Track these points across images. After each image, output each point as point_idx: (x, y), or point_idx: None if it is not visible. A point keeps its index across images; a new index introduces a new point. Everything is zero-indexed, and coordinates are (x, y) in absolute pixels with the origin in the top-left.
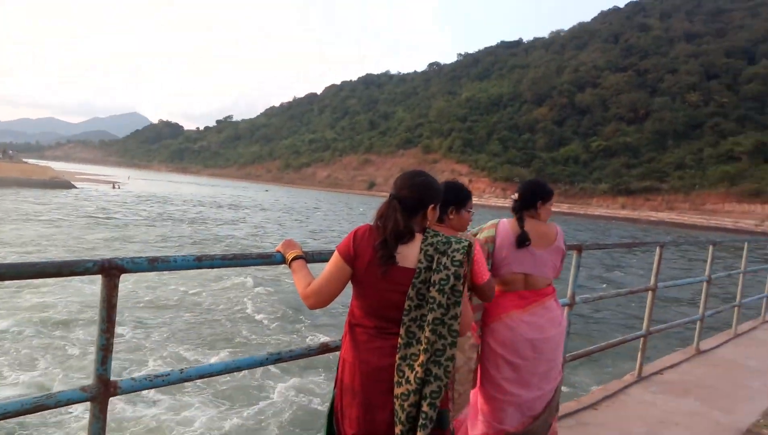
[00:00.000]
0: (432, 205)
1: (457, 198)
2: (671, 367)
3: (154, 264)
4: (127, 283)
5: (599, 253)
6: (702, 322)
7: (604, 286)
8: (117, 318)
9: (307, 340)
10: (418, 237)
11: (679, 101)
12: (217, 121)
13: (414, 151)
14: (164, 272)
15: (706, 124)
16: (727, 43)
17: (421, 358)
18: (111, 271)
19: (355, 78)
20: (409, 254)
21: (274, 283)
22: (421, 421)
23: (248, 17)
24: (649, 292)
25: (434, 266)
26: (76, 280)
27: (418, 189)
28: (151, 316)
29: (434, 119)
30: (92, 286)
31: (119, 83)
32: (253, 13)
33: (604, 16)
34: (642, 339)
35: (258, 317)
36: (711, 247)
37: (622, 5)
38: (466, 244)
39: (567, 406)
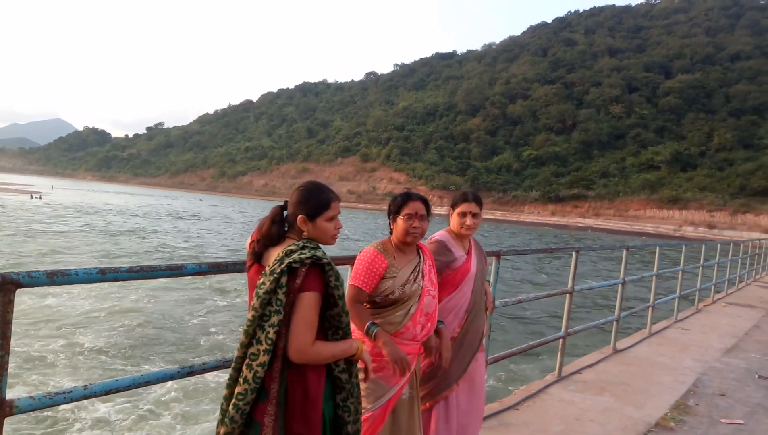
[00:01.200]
0: (300, 216)
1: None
2: (589, 366)
3: (53, 278)
4: (70, 294)
5: (532, 259)
6: (618, 322)
7: (534, 287)
8: (47, 331)
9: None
10: (287, 242)
11: (604, 113)
12: (148, 129)
13: (352, 160)
14: (115, 283)
15: (628, 134)
16: (646, 58)
17: (261, 358)
18: (5, 286)
19: (291, 86)
20: (270, 258)
21: (225, 295)
22: (222, 418)
23: (181, 21)
24: (567, 295)
25: (268, 271)
26: None
27: (291, 199)
28: (87, 329)
29: (372, 128)
30: None
31: (41, 87)
32: (186, 17)
33: (533, 31)
34: (561, 340)
35: (210, 330)
36: (624, 252)
37: (549, 20)
38: (298, 258)
39: (490, 407)
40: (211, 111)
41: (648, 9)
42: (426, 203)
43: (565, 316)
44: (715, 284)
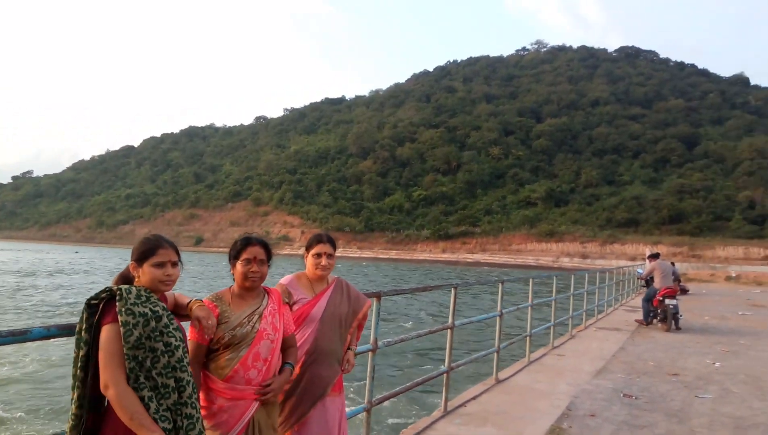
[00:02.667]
0: (131, 263)
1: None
2: (474, 398)
3: None
4: None
5: (429, 296)
6: (498, 353)
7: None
8: None
9: None
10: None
11: (484, 154)
12: (13, 178)
13: (244, 204)
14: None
15: (507, 174)
16: (519, 104)
17: (73, 395)
18: None
19: (176, 130)
20: None
21: None
22: None
23: (48, 57)
24: (449, 331)
25: None
26: None
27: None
28: None
29: (264, 172)
30: None
31: None
32: (56, 53)
33: (417, 78)
34: (445, 375)
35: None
36: (501, 285)
37: (431, 69)
38: (96, 294)
39: None
40: (86, 157)
41: (518, 59)
42: (266, 247)
43: (447, 352)
44: (586, 311)
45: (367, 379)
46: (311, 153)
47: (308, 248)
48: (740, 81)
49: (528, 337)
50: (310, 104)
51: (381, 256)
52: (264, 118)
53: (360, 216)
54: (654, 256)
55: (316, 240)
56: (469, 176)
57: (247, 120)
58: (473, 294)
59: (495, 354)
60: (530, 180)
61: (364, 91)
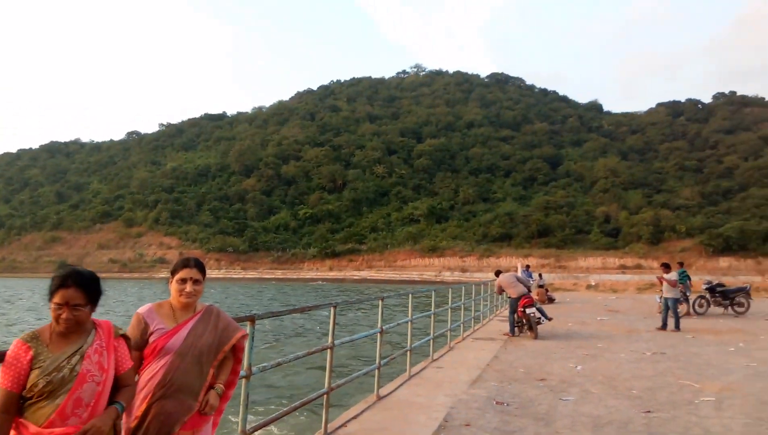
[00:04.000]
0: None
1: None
2: (355, 417)
3: None
4: None
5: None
6: (379, 369)
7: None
8: None
9: None
10: None
11: (369, 173)
12: None
13: (114, 225)
14: None
15: (391, 192)
16: (401, 124)
17: None
18: None
19: (36, 145)
20: None
21: None
22: None
23: None
24: (329, 351)
25: None
26: None
27: None
28: None
29: (137, 190)
30: None
31: None
32: None
33: (300, 96)
34: (325, 396)
35: None
36: (381, 302)
37: (315, 87)
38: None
39: None
40: None
41: (399, 81)
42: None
43: (327, 372)
44: (463, 323)
45: (240, 407)
46: (190, 170)
47: (173, 273)
48: (595, 107)
49: (409, 352)
50: (189, 120)
51: (266, 276)
52: (137, 133)
53: (244, 235)
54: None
55: (182, 264)
56: (354, 194)
57: (118, 135)
58: (364, 311)
59: (376, 371)
60: (413, 198)
61: (247, 108)
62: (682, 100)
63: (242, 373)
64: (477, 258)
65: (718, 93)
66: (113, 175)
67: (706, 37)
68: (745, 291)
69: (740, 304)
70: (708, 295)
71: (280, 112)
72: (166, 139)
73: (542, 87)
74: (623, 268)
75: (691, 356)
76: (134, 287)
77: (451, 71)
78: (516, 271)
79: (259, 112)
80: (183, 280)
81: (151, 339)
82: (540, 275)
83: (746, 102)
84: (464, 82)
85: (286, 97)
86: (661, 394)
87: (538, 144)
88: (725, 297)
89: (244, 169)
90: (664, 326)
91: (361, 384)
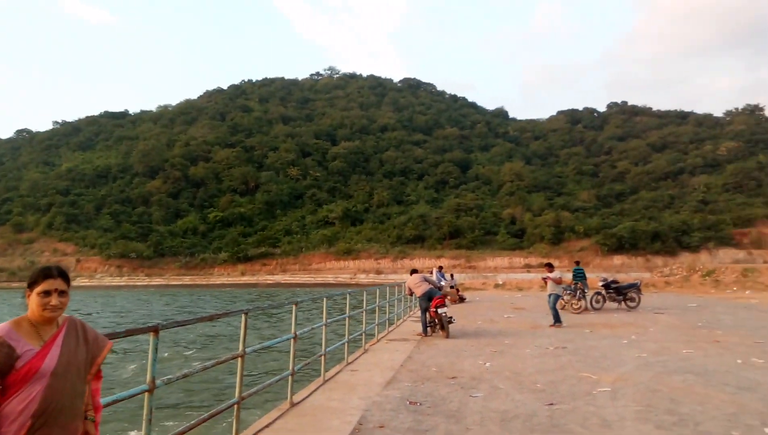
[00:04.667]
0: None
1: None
2: (267, 425)
3: None
4: None
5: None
6: (293, 375)
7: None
8: None
9: None
10: None
11: (283, 175)
12: None
13: (1, 231)
14: None
15: (306, 194)
16: (315, 126)
17: None
18: None
19: None
20: None
21: None
22: None
23: None
24: (239, 359)
25: None
26: None
27: None
28: None
29: (27, 193)
30: None
31: None
32: None
33: (210, 96)
34: (236, 406)
35: None
36: (294, 307)
37: (225, 87)
38: None
39: None
40: None
41: (312, 84)
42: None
43: (238, 381)
44: (378, 324)
45: (144, 423)
46: (88, 171)
47: (32, 285)
48: (501, 114)
49: (323, 356)
50: (86, 117)
51: (174, 283)
52: (28, 131)
53: (148, 240)
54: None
55: (44, 274)
56: (267, 197)
57: (6, 133)
58: (279, 317)
59: (290, 377)
60: (328, 200)
61: (151, 106)
62: (580, 109)
63: (145, 386)
64: (392, 260)
65: (612, 102)
66: (0, 177)
67: (600, 50)
68: (636, 287)
69: (632, 299)
70: (604, 292)
71: (188, 111)
72: (60, 138)
73: (452, 93)
74: (528, 267)
75: (589, 350)
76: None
77: (365, 75)
78: (431, 273)
79: (164, 110)
80: (46, 293)
81: (20, 363)
82: (452, 276)
83: (636, 111)
84: (378, 86)
85: (194, 96)
86: (562, 387)
87: (449, 148)
88: (619, 293)
89: (149, 170)
90: (556, 322)
91: (274, 391)
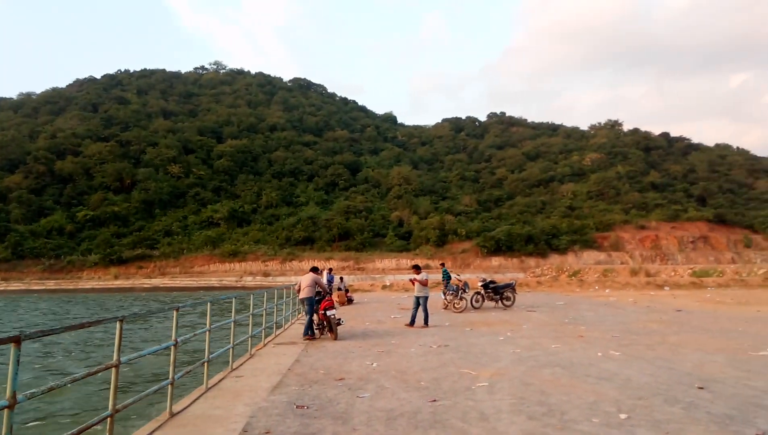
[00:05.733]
0: None
1: None
2: None
3: None
4: None
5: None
6: (173, 385)
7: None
8: None
9: None
10: None
11: (163, 172)
12: None
13: None
14: None
15: (188, 193)
16: (199, 123)
17: None
18: None
19: None
20: None
21: None
22: None
23: None
24: (113, 369)
25: None
26: None
27: None
28: None
29: None
30: None
31: None
32: None
33: (81, 85)
34: (109, 419)
35: None
36: (175, 313)
37: (98, 76)
38: None
39: None
40: None
41: (197, 78)
42: None
43: (112, 392)
44: (265, 328)
45: None
46: None
47: None
48: (390, 119)
49: (206, 363)
50: None
51: (35, 288)
52: None
53: (6, 241)
54: (314, 270)
55: None
56: (145, 195)
57: None
58: (159, 323)
59: (169, 386)
60: (212, 200)
61: (11, 93)
62: (463, 117)
63: (4, 402)
64: (280, 262)
65: (492, 113)
66: None
67: (482, 62)
68: (511, 287)
69: (508, 298)
70: (483, 291)
71: (55, 101)
72: None
73: (343, 96)
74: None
75: (470, 347)
76: None
77: (253, 72)
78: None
79: (27, 98)
80: None
81: None
82: (341, 279)
83: (513, 122)
84: (267, 84)
85: (62, 84)
86: (444, 383)
87: (340, 150)
88: (496, 292)
89: (7, 163)
90: (412, 323)
91: (155, 401)
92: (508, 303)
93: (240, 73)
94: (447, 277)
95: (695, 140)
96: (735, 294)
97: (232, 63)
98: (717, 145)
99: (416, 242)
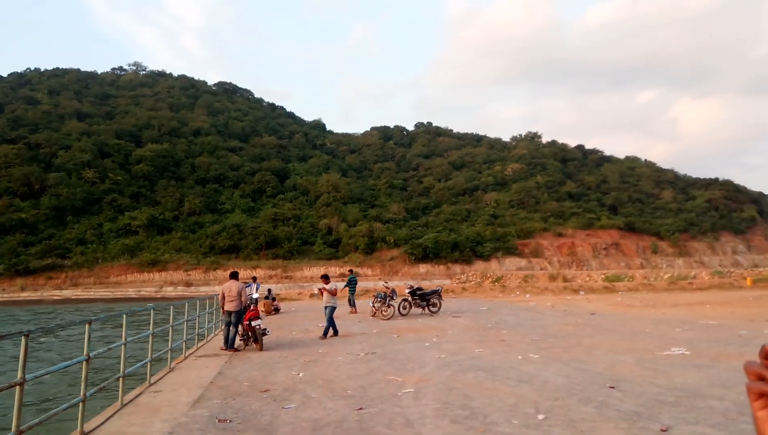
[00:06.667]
0: None
1: None
2: None
3: None
4: None
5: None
6: (84, 402)
7: None
8: None
9: None
10: None
11: (76, 177)
12: None
13: None
14: None
15: (104, 199)
16: (117, 125)
17: None
18: None
19: None
20: None
21: None
22: None
23: None
24: (17, 388)
25: None
26: None
27: None
28: None
29: None
30: None
31: None
32: None
33: None
34: None
35: None
36: (87, 326)
37: (5, 74)
38: None
39: None
40: None
41: (114, 78)
42: None
43: (15, 412)
44: (186, 341)
45: None
46: None
47: None
48: (319, 126)
49: (121, 378)
50: None
51: None
52: None
53: None
54: (234, 275)
55: None
56: (56, 201)
57: None
58: (73, 337)
59: (81, 404)
60: (131, 206)
61: None
62: (391, 126)
63: None
64: (203, 271)
65: (419, 122)
66: None
67: (410, 72)
68: (437, 293)
69: (434, 305)
70: (410, 298)
71: None
72: None
73: (271, 101)
74: (343, 277)
75: (396, 353)
76: None
77: (176, 74)
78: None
79: None
80: None
81: None
82: (269, 291)
83: (439, 132)
84: (190, 87)
85: None
86: (371, 391)
87: (267, 157)
88: (423, 299)
89: None
90: (335, 333)
91: (66, 420)
92: (434, 309)
93: (161, 75)
94: (353, 283)
95: (607, 152)
96: (643, 297)
97: (153, 65)
98: (627, 158)
99: (345, 250)
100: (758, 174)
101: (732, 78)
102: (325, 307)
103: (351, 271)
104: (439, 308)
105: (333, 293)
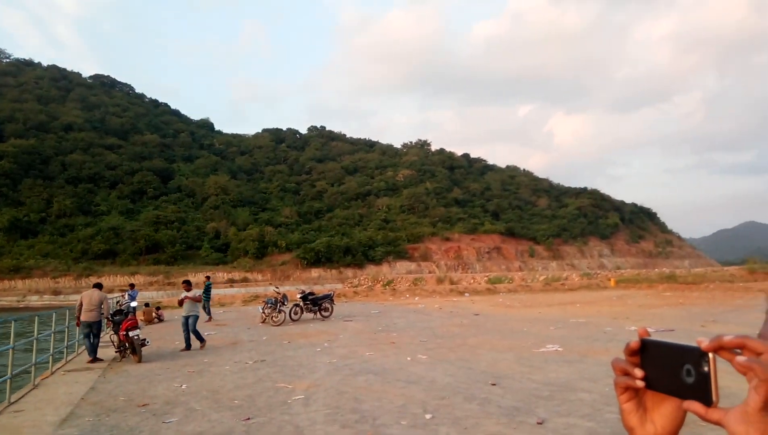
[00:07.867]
0: None
1: None
2: None
3: None
4: None
5: None
6: None
7: None
8: None
9: None
10: None
11: None
12: None
13: None
14: None
15: None
16: None
17: None
18: None
19: None
20: None
21: None
22: None
23: None
24: None
25: None
26: None
27: None
28: None
29: None
30: None
31: None
32: None
33: None
34: None
35: None
36: None
37: None
38: None
39: None
40: None
41: None
42: None
43: None
44: (53, 354)
45: None
46: None
47: None
48: (207, 125)
49: None
50: None
51: None
52: None
53: None
54: (98, 286)
55: None
56: None
57: None
58: None
59: None
60: None
61: None
62: (284, 129)
63: None
64: (74, 278)
65: (312, 126)
66: None
67: (303, 76)
68: (329, 297)
69: (326, 309)
70: (301, 303)
71: None
72: None
73: (153, 97)
74: (231, 282)
75: (287, 360)
76: None
77: (45, 64)
78: (122, 292)
79: None
80: None
81: None
82: (147, 305)
83: (333, 137)
84: (62, 78)
85: None
86: (260, 400)
87: (149, 156)
88: (315, 304)
89: None
90: (187, 347)
91: None
92: (326, 314)
93: (28, 64)
94: (208, 290)
95: (490, 161)
96: (522, 298)
97: (19, 52)
98: (508, 167)
99: (234, 254)
100: (621, 184)
101: (600, 96)
102: (186, 317)
103: (208, 277)
104: (331, 313)
105: (197, 300)
